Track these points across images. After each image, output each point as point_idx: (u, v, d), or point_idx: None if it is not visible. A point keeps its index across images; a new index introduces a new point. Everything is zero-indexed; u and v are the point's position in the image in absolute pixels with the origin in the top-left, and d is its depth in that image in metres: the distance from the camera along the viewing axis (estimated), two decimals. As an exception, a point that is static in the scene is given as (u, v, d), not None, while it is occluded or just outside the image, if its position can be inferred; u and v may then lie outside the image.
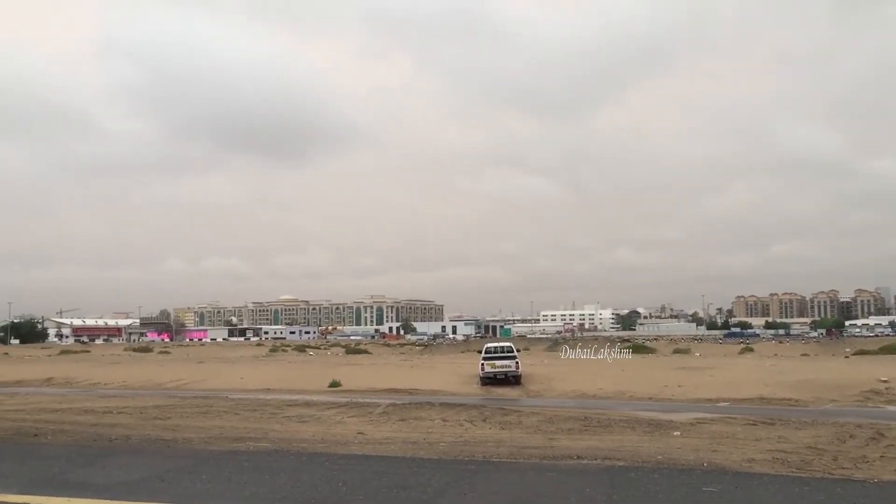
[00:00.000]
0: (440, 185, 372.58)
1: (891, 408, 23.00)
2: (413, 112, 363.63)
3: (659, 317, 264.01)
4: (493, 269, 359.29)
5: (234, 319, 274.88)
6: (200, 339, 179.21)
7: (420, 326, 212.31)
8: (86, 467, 10.27)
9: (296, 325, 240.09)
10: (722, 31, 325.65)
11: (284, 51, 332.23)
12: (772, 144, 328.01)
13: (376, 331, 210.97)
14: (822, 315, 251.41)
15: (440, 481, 9.30)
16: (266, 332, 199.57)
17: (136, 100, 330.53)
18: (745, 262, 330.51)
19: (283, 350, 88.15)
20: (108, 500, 8.04)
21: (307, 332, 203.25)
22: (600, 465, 10.55)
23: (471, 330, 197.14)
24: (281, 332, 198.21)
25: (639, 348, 74.62)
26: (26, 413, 20.05)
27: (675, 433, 15.22)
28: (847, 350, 70.07)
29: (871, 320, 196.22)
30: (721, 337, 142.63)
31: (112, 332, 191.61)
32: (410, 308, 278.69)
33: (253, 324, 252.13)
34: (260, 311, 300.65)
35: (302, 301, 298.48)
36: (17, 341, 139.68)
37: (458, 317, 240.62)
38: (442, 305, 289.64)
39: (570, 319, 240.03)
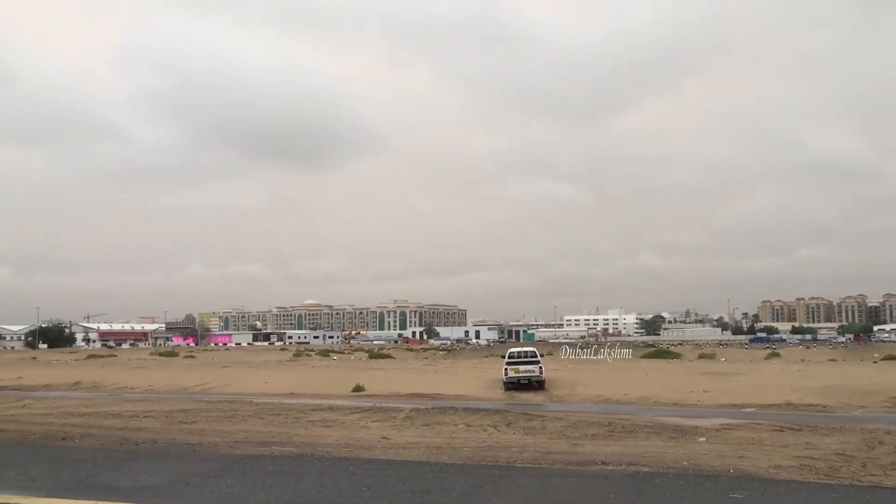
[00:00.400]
0: (461, 190, 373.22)
1: (921, 414, 22.63)
2: (434, 118, 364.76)
3: (683, 322, 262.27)
4: (516, 274, 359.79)
5: (259, 324, 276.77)
6: (225, 344, 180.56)
7: (443, 331, 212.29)
8: (113, 471, 10.36)
9: (319, 329, 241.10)
10: (742, 34, 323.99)
11: (306, 58, 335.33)
12: (795, 147, 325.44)
13: (399, 335, 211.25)
14: (850, 320, 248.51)
15: (464, 486, 9.29)
16: (290, 337, 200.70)
17: (159, 106, 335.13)
18: (771, 267, 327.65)
19: (307, 355, 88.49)
20: (135, 504, 8.13)
21: (331, 337, 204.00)
22: (625, 470, 10.49)
23: (494, 335, 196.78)
24: (305, 337, 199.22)
25: (663, 353, 74.06)
26: (54, 417, 20.29)
27: (700, 439, 15.08)
28: (875, 355, 69.08)
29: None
30: (747, 342, 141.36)
31: (138, 337, 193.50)
32: (433, 313, 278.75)
33: (277, 328, 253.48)
34: (284, 315, 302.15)
35: (326, 306, 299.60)
36: (45, 346, 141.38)
37: (482, 321, 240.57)
38: (465, 310, 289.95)
39: (594, 324, 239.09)
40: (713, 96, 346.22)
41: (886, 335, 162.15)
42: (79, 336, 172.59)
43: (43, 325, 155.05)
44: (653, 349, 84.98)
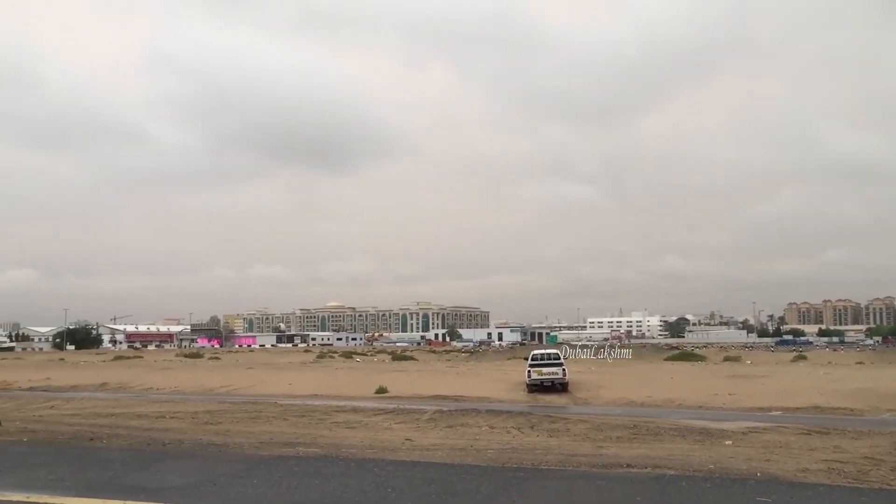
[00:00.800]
0: (483, 192, 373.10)
1: (952, 418, 22.29)
2: (454, 120, 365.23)
3: (708, 324, 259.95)
4: (539, 276, 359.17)
5: (282, 326, 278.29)
6: (249, 346, 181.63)
7: (466, 333, 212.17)
8: (140, 471, 10.46)
9: (342, 331, 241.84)
10: (765, 35, 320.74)
11: (327, 62, 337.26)
12: (820, 149, 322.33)
13: (422, 337, 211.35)
14: (878, 322, 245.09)
15: (488, 488, 9.29)
16: (313, 339, 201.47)
17: (184, 111, 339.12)
18: (797, 269, 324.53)
19: (331, 356, 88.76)
20: (162, 504, 8.21)
21: (354, 339, 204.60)
22: (650, 473, 10.42)
23: (517, 337, 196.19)
24: (328, 339, 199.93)
25: (688, 356, 73.54)
26: (82, 417, 20.54)
27: (726, 442, 14.96)
28: (904, 358, 68.17)
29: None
30: (773, 344, 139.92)
31: (164, 339, 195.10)
32: (456, 315, 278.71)
33: (300, 330, 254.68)
34: (307, 317, 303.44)
35: (348, 308, 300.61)
36: (72, 347, 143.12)
37: (504, 324, 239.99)
38: (487, 312, 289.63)
39: (618, 326, 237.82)
40: (735, 97, 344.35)
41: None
42: (106, 337, 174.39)
43: (70, 327, 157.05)
44: (677, 351, 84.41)
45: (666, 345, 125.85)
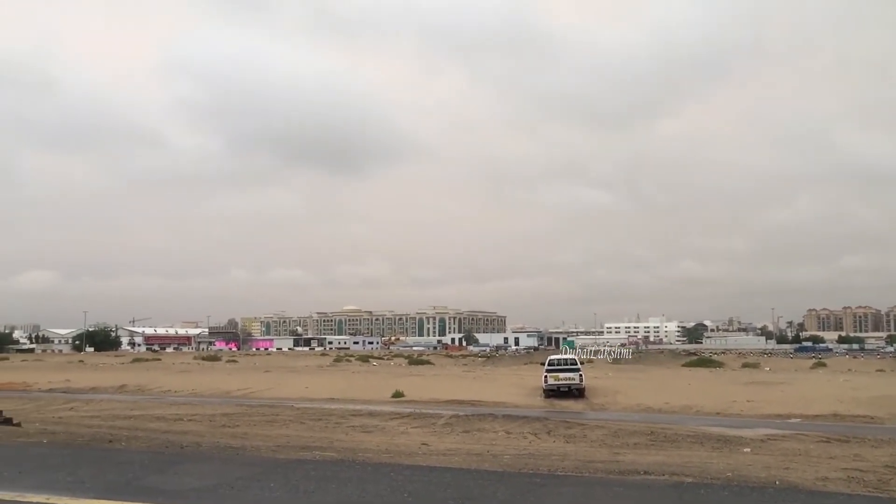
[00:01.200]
0: (499, 196, 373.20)
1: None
2: (469, 123, 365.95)
3: (726, 330, 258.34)
4: (555, 281, 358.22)
5: (299, 329, 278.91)
6: (266, 349, 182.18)
7: (482, 338, 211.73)
8: (159, 473, 10.51)
9: (359, 335, 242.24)
10: (779, 38, 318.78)
11: (342, 66, 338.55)
12: (837, 153, 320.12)
13: (439, 342, 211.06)
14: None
15: (505, 494, 9.27)
16: (330, 342, 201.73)
17: (200, 115, 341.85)
18: (816, 275, 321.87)
19: (347, 360, 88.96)
20: (181, 506, 8.25)
21: (370, 343, 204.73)
22: (668, 480, 10.36)
23: (533, 342, 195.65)
24: (345, 342, 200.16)
25: (705, 362, 73.14)
26: (101, 419, 20.70)
27: (744, 449, 14.87)
28: (926, 366, 67.41)
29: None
30: (792, 351, 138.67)
31: (182, 341, 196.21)
32: (473, 319, 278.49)
33: (317, 333, 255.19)
34: (324, 321, 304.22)
35: (365, 311, 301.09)
36: (91, 349, 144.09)
37: (521, 328, 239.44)
38: (504, 317, 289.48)
39: (635, 332, 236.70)
40: (751, 101, 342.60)
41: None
42: (124, 340, 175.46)
43: (90, 329, 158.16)
44: (695, 357, 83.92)
45: (683, 351, 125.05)
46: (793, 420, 23.76)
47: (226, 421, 20.47)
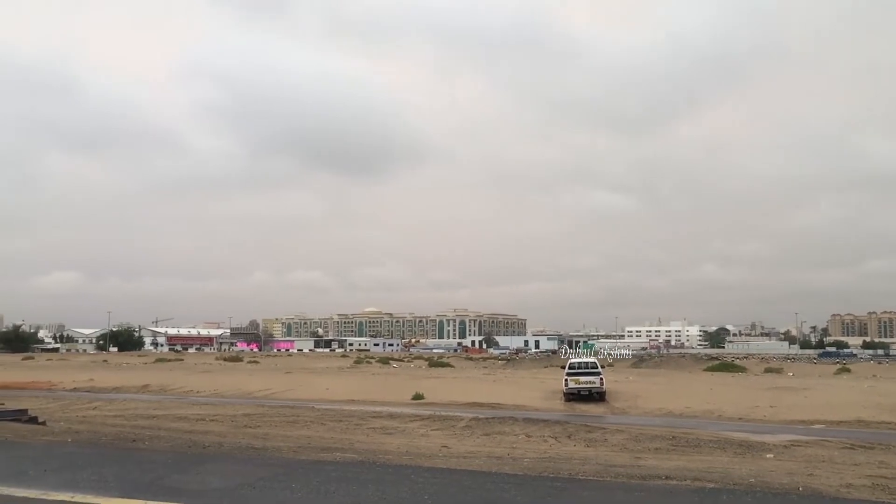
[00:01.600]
0: (518, 199, 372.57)
1: None
2: (487, 127, 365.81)
3: (748, 334, 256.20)
4: (575, 284, 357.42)
5: (320, 331, 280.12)
6: (287, 350, 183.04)
7: (502, 340, 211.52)
8: (181, 473, 10.60)
9: (379, 337, 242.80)
10: (801, 42, 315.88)
11: (360, 70, 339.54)
12: (859, 158, 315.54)
13: (459, 344, 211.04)
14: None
15: (525, 498, 9.25)
16: (351, 344, 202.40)
17: (220, 119, 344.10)
18: (840, 279, 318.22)
19: (368, 362, 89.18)
20: (203, 506, 8.32)
21: (391, 345, 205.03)
22: (690, 486, 10.29)
23: (553, 345, 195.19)
24: (365, 344, 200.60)
25: (728, 367, 72.53)
26: (125, 419, 20.90)
27: (767, 455, 14.74)
28: (953, 372, 66.45)
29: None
30: (815, 356, 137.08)
31: (204, 342, 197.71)
32: (493, 322, 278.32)
33: (338, 335, 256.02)
34: (345, 322, 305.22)
35: (386, 314, 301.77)
36: (115, 349, 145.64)
37: (541, 331, 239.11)
38: (524, 320, 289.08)
39: (656, 336, 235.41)
40: (770, 105, 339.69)
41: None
42: (147, 340, 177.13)
43: (113, 329, 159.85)
44: (717, 362, 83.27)
45: (705, 355, 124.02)
46: (816, 426, 23.52)
47: (247, 421, 20.60)
